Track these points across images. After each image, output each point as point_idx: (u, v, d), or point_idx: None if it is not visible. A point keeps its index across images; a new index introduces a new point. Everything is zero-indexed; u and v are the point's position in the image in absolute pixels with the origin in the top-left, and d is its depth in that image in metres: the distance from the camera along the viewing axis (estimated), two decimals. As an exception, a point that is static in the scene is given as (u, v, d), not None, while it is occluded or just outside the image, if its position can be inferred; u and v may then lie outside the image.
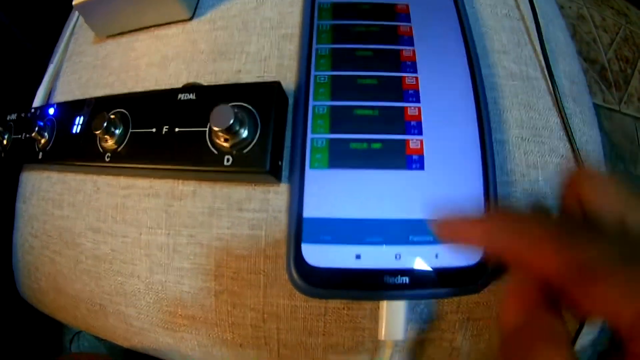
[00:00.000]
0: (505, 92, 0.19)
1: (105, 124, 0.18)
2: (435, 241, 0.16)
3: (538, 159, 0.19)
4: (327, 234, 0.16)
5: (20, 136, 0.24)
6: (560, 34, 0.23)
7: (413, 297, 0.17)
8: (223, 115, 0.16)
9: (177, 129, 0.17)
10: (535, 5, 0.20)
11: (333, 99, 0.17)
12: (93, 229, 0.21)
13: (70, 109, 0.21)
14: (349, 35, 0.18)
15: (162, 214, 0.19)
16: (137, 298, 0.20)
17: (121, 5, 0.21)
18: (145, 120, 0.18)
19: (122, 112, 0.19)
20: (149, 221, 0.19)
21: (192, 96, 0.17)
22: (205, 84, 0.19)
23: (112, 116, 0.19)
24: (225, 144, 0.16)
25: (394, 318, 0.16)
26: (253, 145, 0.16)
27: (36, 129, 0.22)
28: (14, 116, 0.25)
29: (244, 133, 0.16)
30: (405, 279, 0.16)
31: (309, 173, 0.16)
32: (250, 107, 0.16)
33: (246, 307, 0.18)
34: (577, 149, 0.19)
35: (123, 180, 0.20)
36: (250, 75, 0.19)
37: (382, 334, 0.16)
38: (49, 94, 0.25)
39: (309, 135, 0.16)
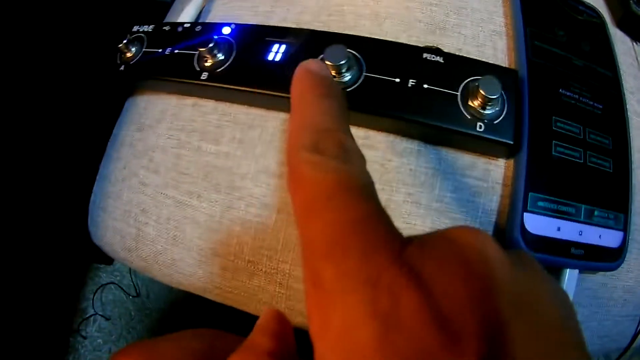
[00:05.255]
0: (632, 125, 0.24)
1: (344, 60, 0.16)
2: (607, 227, 0.19)
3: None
4: (542, 208, 0.18)
5: (160, 50, 0.19)
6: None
7: (584, 267, 0.20)
8: (492, 84, 0.16)
9: (425, 86, 0.17)
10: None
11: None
12: (269, 173, 0.18)
13: (265, 33, 0.18)
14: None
15: (377, 167, 0.17)
16: None
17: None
18: (384, 69, 0.17)
19: (352, 53, 0.17)
20: (357, 173, 0.17)
21: (439, 59, 0.17)
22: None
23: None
24: (482, 111, 0.16)
25: (570, 283, 0.19)
26: (502, 119, 0.17)
27: (211, 44, 0.18)
28: (147, 28, 0.20)
29: (498, 106, 0.17)
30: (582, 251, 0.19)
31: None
32: (500, 84, 0.17)
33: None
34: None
35: None
36: (471, 56, 0.19)
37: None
38: (199, 15, 0.21)
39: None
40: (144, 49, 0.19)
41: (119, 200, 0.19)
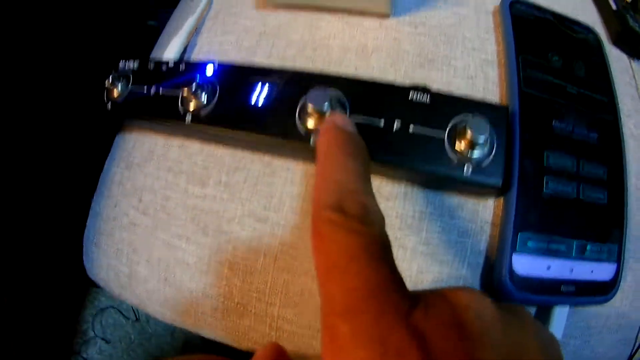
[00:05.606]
0: (628, 149, 0.23)
1: (326, 104, 0.15)
2: (600, 260, 0.19)
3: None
4: (532, 249, 0.17)
5: (145, 89, 0.19)
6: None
7: (575, 303, 0.19)
8: (479, 127, 0.15)
9: (411, 129, 0.16)
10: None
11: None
12: (255, 217, 0.17)
13: (248, 74, 0.17)
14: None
15: None
16: (304, 299, 0.17)
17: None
18: (369, 111, 0.16)
19: (336, 95, 0.16)
20: (343, 217, 0.17)
21: (426, 99, 0.16)
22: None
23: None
24: (469, 154, 0.15)
25: (559, 320, 0.18)
26: (490, 160, 0.16)
27: (193, 86, 0.17)
28: (133, 64, 0.19)
29: (487, 147, 0.16)
30: (573, 288, 0.18)
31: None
32: (489, 123, 0.16)
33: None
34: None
35: (312, 168, 0.17)
36: (460, 90, 0.18)
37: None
38: (185, 50, 0.20)
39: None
40: (129, 87, 0.19)
41: (111, 238, 0.19)
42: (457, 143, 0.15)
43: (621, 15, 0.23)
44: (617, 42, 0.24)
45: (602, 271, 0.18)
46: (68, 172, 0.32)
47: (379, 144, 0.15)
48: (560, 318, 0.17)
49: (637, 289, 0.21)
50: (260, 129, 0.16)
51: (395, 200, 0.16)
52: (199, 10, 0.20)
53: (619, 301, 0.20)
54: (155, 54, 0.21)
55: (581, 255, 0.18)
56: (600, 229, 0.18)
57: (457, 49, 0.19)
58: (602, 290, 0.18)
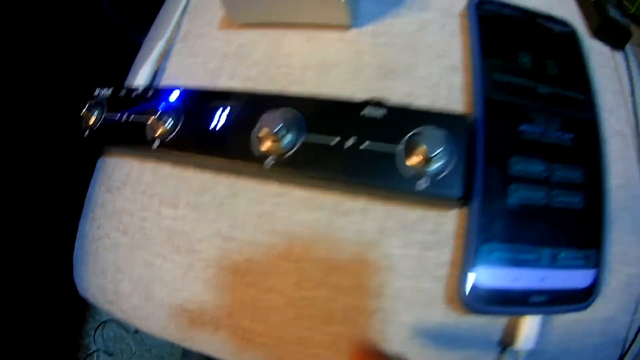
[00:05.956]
0: (610, 147, 0.21)
1: (279, 127, 0.16)
2: (575, 267, 0.18)
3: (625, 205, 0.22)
4: (497, 260, 0.17)
5: (117, 116, 0.19)
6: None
7: (548, 313, 0.19)
8: (433, 139, 0.15)
9: (363, 145, 0.16)
10: (633, 76, 0.23)
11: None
12: (223, 237, 0.18)
13: (209, 98, 0.18)
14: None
15: (323, 228, 0.17)
16: (270, 314, 0.18)
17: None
18: (324, 129, 0.16)
19: (291, 115, 0.16)
20: (307, 234, 0.17)
21: (380, 113, 0.16)
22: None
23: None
24: (422, 168, 0.15)
25: (530, 328, 0.17)
26: (449, 172, 0.15)
27: (158, 113, 0.17)
28: (107, 91, 0.20)
29: (444, 158, 0.16)
30: (544, 297, 0.18)
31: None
32: (446, 134, 0.16)
33: (400, 324, 0.17)
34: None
35: (274, 188, 0.17)
36: (423, 100, 0.17)
37: (519, 343, 0.17)
38: (155, 74, 0.20)
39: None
40: (104, 115, 0.19)
41: (96, 257, 0.20)
42: (412, 157, 0.15)
43: (600, 5, 0.22)
44: (598, 34, 0.22)
45: (577, 278, 0.17)
46: (70, 188, 0.33)
47: (332, 162, 0.15)
48: (530, 329, 0.17)
49: (623, 291, 0.20)
50: (220, 152, 0.16)
51: (354, 215, 0.16)
52: (167, 33, 0.20)
53: (604, 306, 0.19)
54: (128, 80, 0.21)
55: (553, 264, 0.17)
56: (576, 235, 0.17)
57: (420, 56, 0.18)
58: (578, 298, 0.17)
